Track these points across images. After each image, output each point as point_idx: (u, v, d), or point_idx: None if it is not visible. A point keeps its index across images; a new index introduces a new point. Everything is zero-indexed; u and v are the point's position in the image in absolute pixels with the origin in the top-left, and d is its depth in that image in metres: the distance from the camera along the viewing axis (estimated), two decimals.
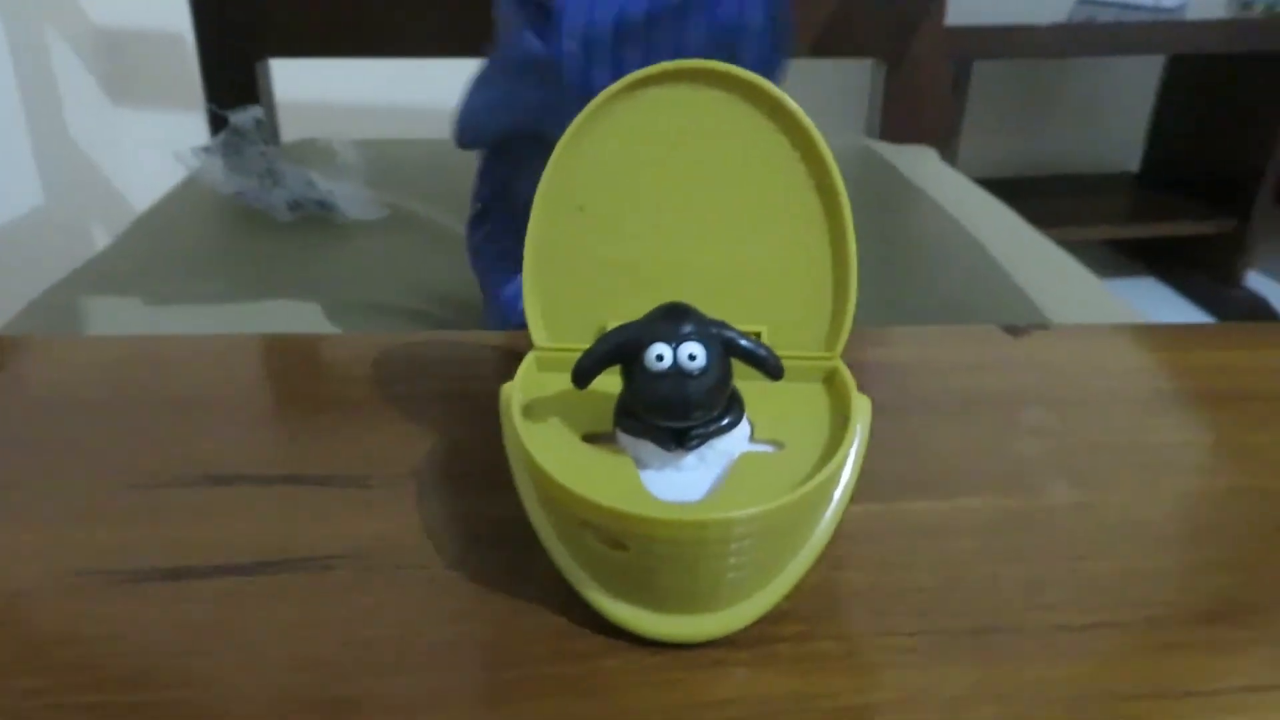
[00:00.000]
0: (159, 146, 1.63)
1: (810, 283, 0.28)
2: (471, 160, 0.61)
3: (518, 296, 0.59)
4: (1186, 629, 0.25)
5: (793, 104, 0.27)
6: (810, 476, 0.24)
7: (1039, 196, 1.90)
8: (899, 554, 0.27)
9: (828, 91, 1.29)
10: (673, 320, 0.24)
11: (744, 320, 0.28)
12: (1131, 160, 2.09)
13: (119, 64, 1.61)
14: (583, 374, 0.24)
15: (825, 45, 1.02)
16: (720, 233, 0.27)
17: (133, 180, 1.63)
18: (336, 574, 0.26)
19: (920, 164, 1.01)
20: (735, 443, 0.25)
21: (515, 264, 0.55)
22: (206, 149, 0.85)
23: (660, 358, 0.23)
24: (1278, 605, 0.26)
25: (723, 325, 0.24)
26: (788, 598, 0.25)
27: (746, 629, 0.24)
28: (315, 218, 0.82)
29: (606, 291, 0.28)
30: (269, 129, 0.89)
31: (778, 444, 0.26)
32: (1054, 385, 0.36)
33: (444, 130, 0.60)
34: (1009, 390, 0.36)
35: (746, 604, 0.24)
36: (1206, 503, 0.30)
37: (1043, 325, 0.40)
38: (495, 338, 0.38)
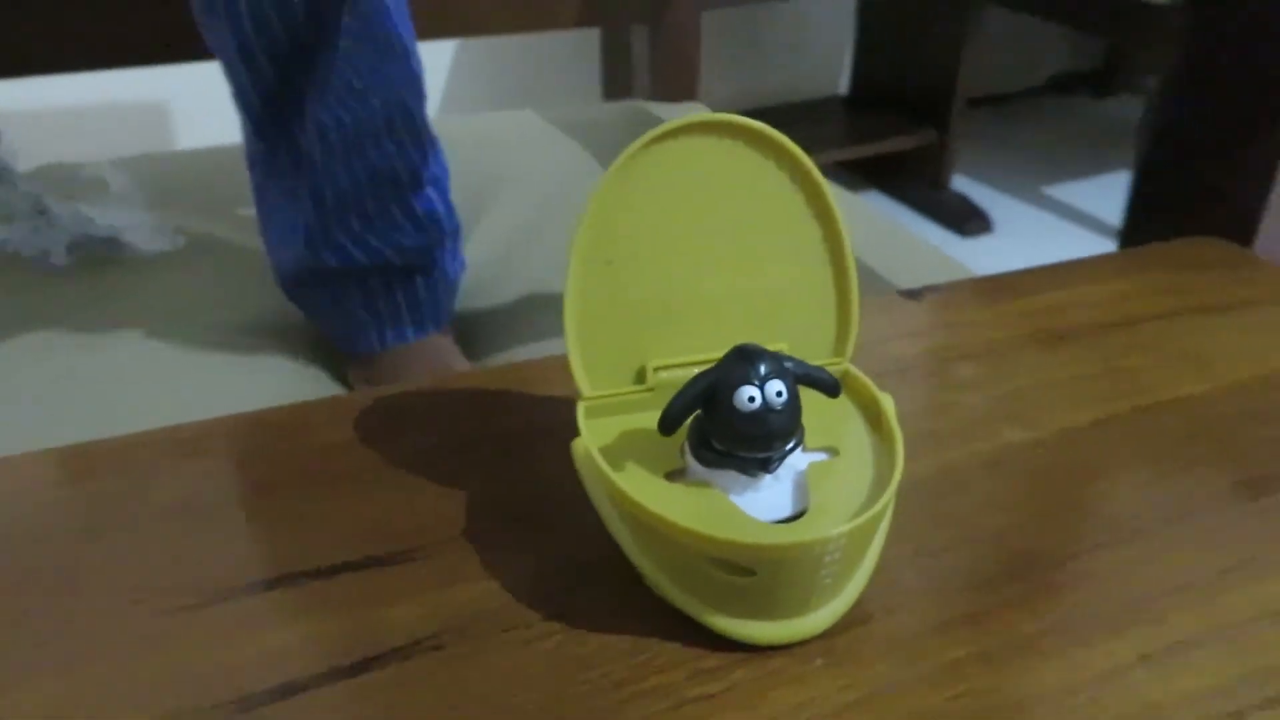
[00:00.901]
0: None
1: (818, 298, 0.31)
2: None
3: (280, 243, 0.62)
4: (1170, 530, 0.31)
5: (792, 145, 0.29)
6: (874, 476, 0.28)
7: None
8: (921, 520, 0.31)
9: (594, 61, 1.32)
10: (751, 362, 0.26)
11: (766, 340, 0.30)
12: (840, 84, 2.27)
13: None
14: (671, 421, 0.26)
15: (592, 13, 1.04)
16: (738, 265, 0.30)
17: None
18: (445, 652, 0.27)
19: None
20: (798, 456, 0.28)
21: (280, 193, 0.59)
22: None
23: (752, 399, 0.25)
24: (1203, 501, 0.33)
25: (788, 358, 0.27)
26: None
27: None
28: (98, 259, 0.75)
29: (641, 335, 0.30)
30: (12, 168, 0.80)
31: (830, 450, 0.29)
32: (967, 339, 0.41)
33: (193, 135, 0.62)
34: (932, 351, 0.41)
35: (840, 599, 0.27)
36: (1134, 422, 0.36)
37: (933, 286, 0.45)
38: (466, 379, 0.38)
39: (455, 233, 0.66)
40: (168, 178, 0.87)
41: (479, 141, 0.93)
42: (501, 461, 0.34)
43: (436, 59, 1.69)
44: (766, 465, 0.27)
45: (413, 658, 0.27)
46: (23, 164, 0.89)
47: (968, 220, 1.98)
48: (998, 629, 0.28)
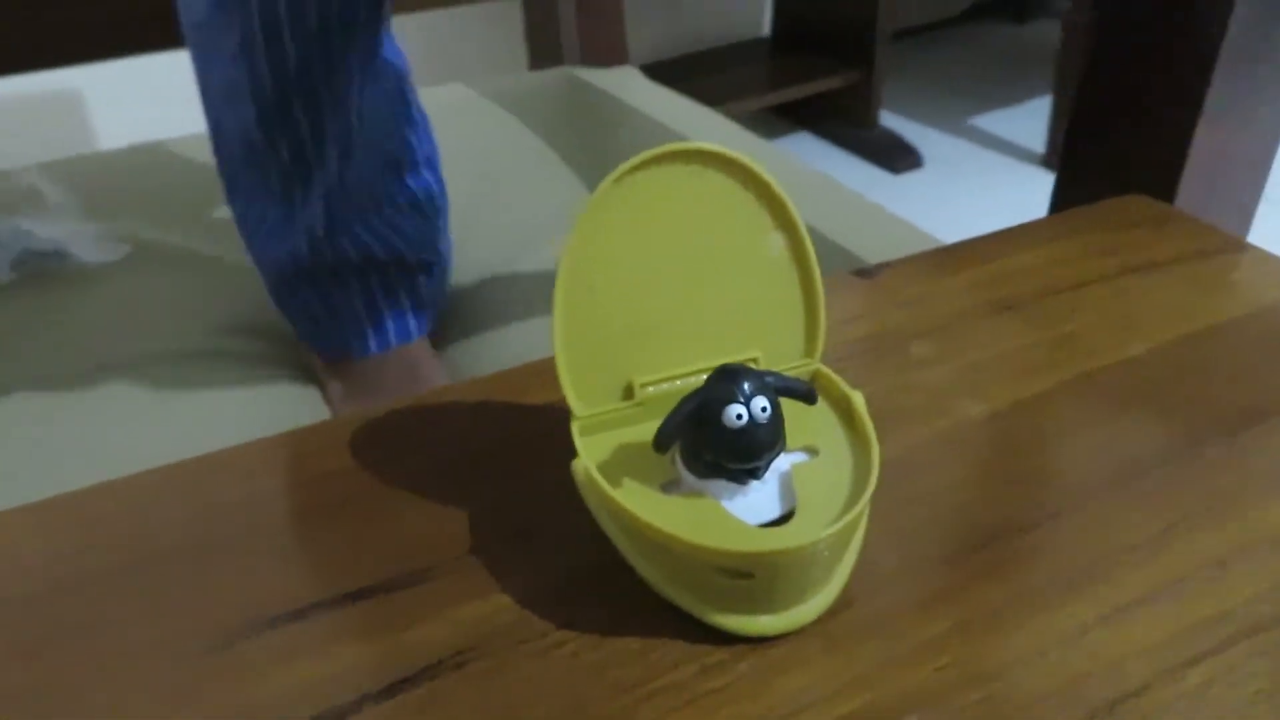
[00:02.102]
0: None
1: (787, 305, 0.33)
2: (188, 164, 0.60)
3: (270, 240, 0.61)
4: (1118, 494, 0.34)
5: (757, 166, 0.31)
6: (853, 471, 0.30)
7: (687, 78, 2.03)
8: (887, 502, 0.34)
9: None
10: (736, 381, 0.28)
11: (742, 349, 0.32)
12: (762, 26, 2.27)
13: None
14: (666, 440, 0.28)
15: None
16: (712, 282, 0.32)
17: None
18: (469, 669, 0.29)
19: (629, 84, 1.07)
20: (780, 459, 0.30)
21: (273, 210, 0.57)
22: None
23: (740, 416, 0.27)
24: (1153, 458, 0.36)
25: (767, 374, 0.29)
26: None
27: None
28: (41, 272, 0.74)
29: (626, 354, 0.31)
30: None
31: (810, 450, 0.31)
32: (918, 316, 0.44)
33: (121, 131, 0.60)
34: (887, 331, 0.43)
35: (831, 585, 0.30)
36: (1082, 387, 0.39)
37: (885, 263, 0.47)
38: (455, 391, 0.40)
39: (446, 210, 0.65)
40: (101, 180, 0.85)
41: None
42: (498, 475, 0.35)
43: None
44: (755, 473, 0.29)
45: (439, 677, 0.28)
46: None
47: (898, 157, 2.02)
48: (971, 601, 0.30)
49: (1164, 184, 0.53)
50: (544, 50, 1.19)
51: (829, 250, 0.74)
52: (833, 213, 0.80)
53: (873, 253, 0.72)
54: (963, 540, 0.32)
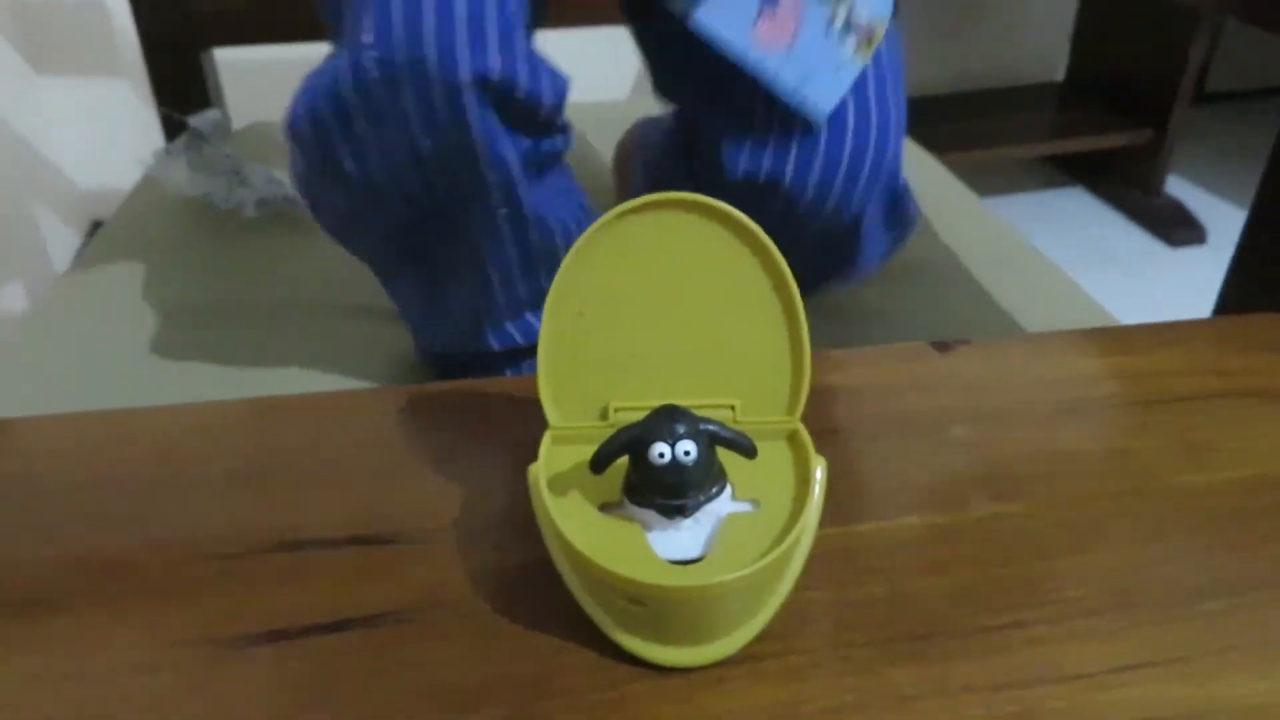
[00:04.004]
0: (86, 116, 1.61)
1: (773, 361, 0.34)
2: None
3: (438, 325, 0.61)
4: (1075, 622, 0.32)
5: (750, 222, 0.32)
6: (785, 530, 0.31)
7: (966, 116, 1.96)
8: (853, 572, 0.34)
9: None
10: (669, 422, 0.30)
11: (721, 394, 0.34)
12: (1056, 70, 2.15)
13: (40, 32, 1.58)
14: (598, 464, 0.30)
15: None
16: (700, 327, 0.34)
17: (62, 153, 1.62)
18: (410, 626, 0.33)
19: None
20: (721, 504, 0.32)
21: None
22: (168, 152, 0.88)
23: (662, 455, 0.29)
24: (1150, 594, 0.33)
25: (708, 421, 0.30)
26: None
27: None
28: (282, 213, 0.86)
29: (608, 378, 0.34)
30: (226, 125, 0.92)
31: (755, 502, 0.32)
32: (976, 400, 0.43)
33: None
34: (937, 408, 0.42)
35: (740, 632, 0.31)
36: (1095, 506, 0.37)
37: (966, 340, 0.46)
38: (500, 384, 0.44)
39: None
40: None
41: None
42: (503, 466, 0.39)
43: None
44: (682, 511, 0.31)
45: (376, 628, 0.33)
46: (237, 122, 1.02)
47: (1177, 229, 1.85)
48: (877, 686, 0.30)
49: None
50: None
51: (994, 316, 0.72)
52: (1018, 281, 0.77)
53: (1041, 328, 0.69)
54: (898, 629, 0.32)
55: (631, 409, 0.34)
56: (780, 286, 0.33)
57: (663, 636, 0.31)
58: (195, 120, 0.87)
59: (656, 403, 0.34)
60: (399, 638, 0.32)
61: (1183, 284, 1.71)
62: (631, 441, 0.30)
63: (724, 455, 0.32)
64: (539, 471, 0.32)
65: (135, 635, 0.32)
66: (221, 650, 0.32)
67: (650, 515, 0.31)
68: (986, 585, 0.34)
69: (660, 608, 0.30)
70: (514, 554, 0.35)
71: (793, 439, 0.34)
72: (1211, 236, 1.85)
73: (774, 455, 0.34)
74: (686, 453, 0.29)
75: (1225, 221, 1.90)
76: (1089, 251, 1.83)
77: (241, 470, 0.39)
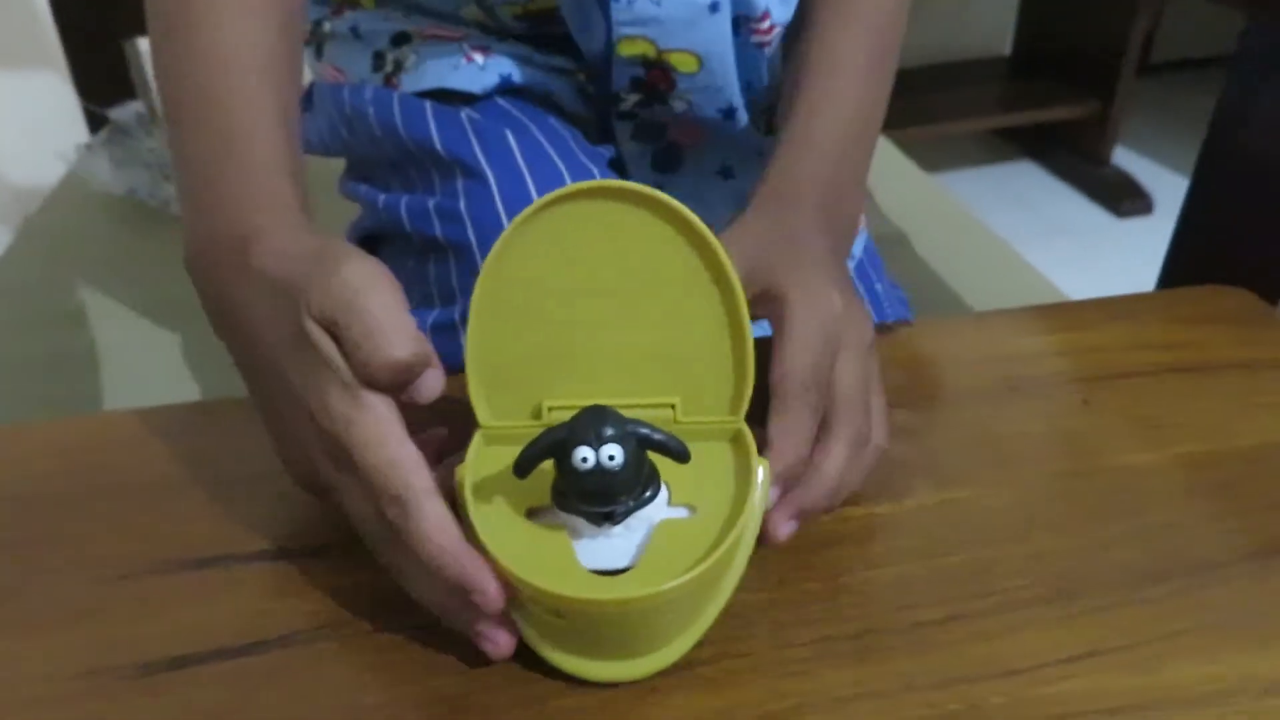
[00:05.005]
0: (12, 110, 1.55)
1: (715, 357, 0.32)
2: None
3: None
4: (1020, 612, 0.31)
5: (690, 213, 0.31)
6: (720, 537, 0.29)
7: (914, 91, 1.95)
8: (792, 569, 0.33)
9: None
10: (595, 424, 0.28)
11: (661, 392, 0.32)
12: (1003, 44, 2.15)
13: None
14: (521, 468, 0.29)
15: None
16: (637, 322, 0.32)
17: None
18: (323, 645, 0.31)
19: None
20: (655, 509, 0.30)
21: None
22: (89, 146, 0.84)
23: (585, 460, 0.28)
24: (1095, 580, 0.32)
25: (638, 424, 0.28)
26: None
27: None
28: None
29: (542, 375, 0.32)
30: (150, 117, 0.88)
31: (691, 508, 0.31)
32: (917, 383, 0.42)
33: None
34: None
35: (676, 643, 0.29)
36: (1039, 490, 0.36)
37: (907, 320, 0.45)
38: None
39: None
40: None
41: None
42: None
43: None
44: (610, 518, 0.29)
45: (290, 647, 0.31)
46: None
47: (1125, 200, 1.86)
48: (816, 689, 0.29)
49: (1275, 279, 0.47)
50: None
51: (941, 294, 0.71)
52: (964, 258, 0.76)
53: (988, 305, 0.68)
54: (837, 628, 0.31)
55: (565, 408, 0.32)
56: (721, 280, 0.31)
57: (591, 650, 0.29)
58: (116, 113, 0.83)
59: (591, 401, 0.32)
60: (313, 658, 0.30)
61: (1131, 253, 1.72)
62: (554, 445, 0.28)
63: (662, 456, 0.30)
64: (465, 474, 0.31)
65: (32, 667, 0.30)
66: (124, 681, 0.30)
67: (577, 521, 0.30)
68: (927, 577, 0.33)
69: (581, 622, 0.28)
70: None
71: (736, 439, 0.32)
72: (1159, 206, 1.86)
73: (716, 456, 0.32)
74: (611, 457, 0.28)
75: (1172, 191, 1.92)
76: (1038, 223, 1.84)
77: (146, 483, 0.37)
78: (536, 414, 0.33)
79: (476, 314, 0.32)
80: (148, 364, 0.63)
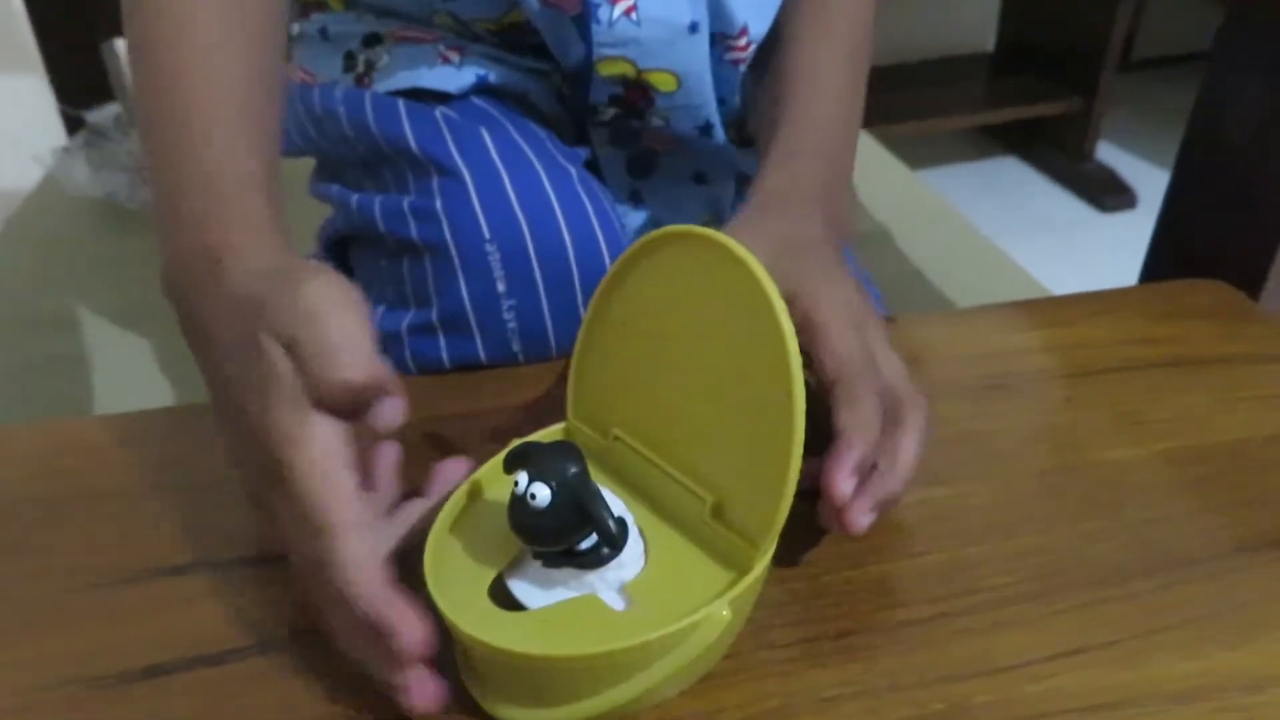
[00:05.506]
0: None
1: (756, 468, 0.28)
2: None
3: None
4: (1004, 609, 0.31)
5: (783, 311, 0.28)
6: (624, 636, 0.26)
7: (898, 88, 1.96)
8: (774, 568, 0.33)
9: None
10: (545, 458, 0.28)
11: (704, 481, 0.30)
12: (986, 40, 2.16)
13: None
14: (508, 463, 0.29)
15: None
16: (708, 393, 0.30)
17: None
18: (300, 652, 0.30)
19: None
20: (596, 578, 0.29)
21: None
22: (66, 149, 0.83)
23: (518, 484, 0.27)
24: (1079, 576, 0.32)
25: (585, 484, 0.27)
26: None
27: None
28: None
29: (618, 401, 0.33)
30: (127, 120, 0.87)
31: (631, 601, 0.29)
32: None
33: None
34: None
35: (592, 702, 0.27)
36: (1022, 486, 0.36)
37: (891, 316, 0.45)
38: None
39: None
40: None
41: None
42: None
43: None
44: (548, 560, 0.29)
45: (263, 656, 0.30)
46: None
47: (1109, 195, 1.87)
48: (800, 689, 0.29)
49: (1255, 272, 0.47)
50: None
51: (924, 289, 0.71)
52: (945, 251, 0.76)
53: (971, 301, 0.68)
54: (821, 628, 0.31)
55: (625, 441, 0.32)
56: (791, 394, 0.27)
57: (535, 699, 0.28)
58: (93, 116, 0.83)
59: (650, 449, 0.32)
60: (290, 666, 0.30)
61: (1115, 248, 1.73)
62: (514, 456, 0.28)
63: (665, 537, 0.30)
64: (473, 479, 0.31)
65: (2, 678, 0.30)
66: (98, 690, 0.29)
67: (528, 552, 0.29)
68: (910, 576, 0.32)
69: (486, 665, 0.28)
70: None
71: (732, 566, 0.29)
72: (1142, 201, 1.87)
73: (708, 574, 0.29)
74: (533, 495, 0.27)
75: (1155, 186, 1.93)
76: (1023, 219, 1.84)
77: (118, 489, 0.36)
78: (605, 433, 0.33)
79: (589, 319, 0.33)
80: (126, 367, 0.62)
